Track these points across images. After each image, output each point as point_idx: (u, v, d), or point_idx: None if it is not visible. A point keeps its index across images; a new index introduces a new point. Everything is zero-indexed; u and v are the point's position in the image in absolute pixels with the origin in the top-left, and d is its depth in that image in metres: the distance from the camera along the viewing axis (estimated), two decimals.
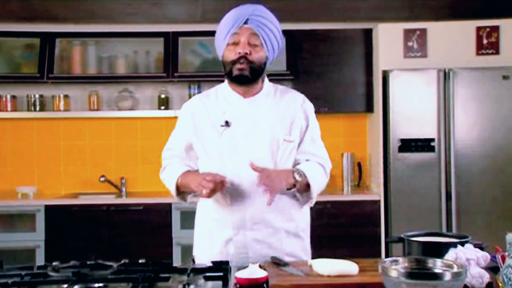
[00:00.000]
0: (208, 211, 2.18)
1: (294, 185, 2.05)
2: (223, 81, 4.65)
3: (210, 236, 2.18)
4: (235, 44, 2.08)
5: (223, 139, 2.10)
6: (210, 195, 1.98)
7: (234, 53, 2.07)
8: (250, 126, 2.10)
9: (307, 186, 2.08)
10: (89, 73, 4.66)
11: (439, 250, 1.68)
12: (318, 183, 2.12)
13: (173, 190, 2.20)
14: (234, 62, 2.08)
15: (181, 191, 2.20)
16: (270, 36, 2.08)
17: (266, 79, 2.22)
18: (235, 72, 2.09)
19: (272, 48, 2.11)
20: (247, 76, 2.08)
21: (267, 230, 2.09)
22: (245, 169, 2.02)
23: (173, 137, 2.28)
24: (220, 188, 2.00)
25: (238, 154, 2.08)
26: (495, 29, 4.33)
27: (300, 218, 2.18)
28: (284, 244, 2.11)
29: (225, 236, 2.11)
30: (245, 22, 2.05)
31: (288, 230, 2.13)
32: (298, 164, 2.13)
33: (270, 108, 2.14)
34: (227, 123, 2.11)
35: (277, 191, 1.96)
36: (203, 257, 2.05)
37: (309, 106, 2.23)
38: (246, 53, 2.05)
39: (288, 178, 2.03)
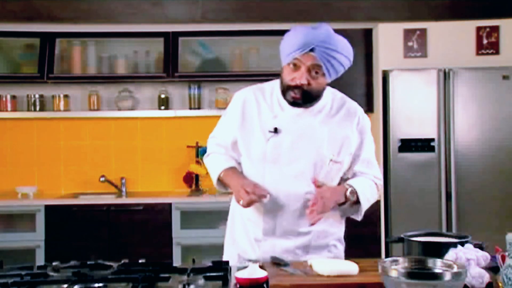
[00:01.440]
0: (243, 210, 2.12)
1: (344, 203, 2.03)
2: (223, 81, 4.62)
3: (246, 234, 2.14)
4: (295, 66, 1.98)
5: (269, 145, 2.04)
6: (247, 205, 1.97)
7: (291, 78, 1.99)
8: (298, 138, 2.03)
9: (357, 202, 2.06)
10: (89, 73, 4.66)
11: (439, 250, 1.68)
12: (369, 201, 2.09)
13: (214, 181, 2.18)
14: (289, 87, 2.00)
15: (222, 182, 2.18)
16: (335, 65, 1.97)
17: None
18: (289, 98, 2.02)
19: (335, 74, 2.02)
20: (300, 103, 2.02)
21: (296, 240, 2.07)
22: (285, 180, 2.01)
23: (221, 126, 2.23)
24: (259, 200, 1.98)
25: (280, 164, 2.03)
26: (495, 29, 4.33)
27: (335, 228, 2.16)
28: (313, 255, 2.08)
29: (255, 236, 2.10)
30: (311, 49, 1.93)
31: (319, 244, 2.10)
32: (347, 179, 2.11)
33: (323, 123, 2.06)
34: (276, 130, 2.04)
35: (324, 213, 1.96)
36: (234, 254, 2.08)
37: (366, 123, 2.16)
38: (303, 85, 1.97)
39: (340, 198, 2.01)
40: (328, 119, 2.08)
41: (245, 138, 2.10)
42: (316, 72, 1.97)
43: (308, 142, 2.03)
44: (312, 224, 1.96)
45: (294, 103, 2.03)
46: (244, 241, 2.14)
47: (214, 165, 2.18)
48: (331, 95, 2.14)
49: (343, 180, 2.12)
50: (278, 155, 2.03)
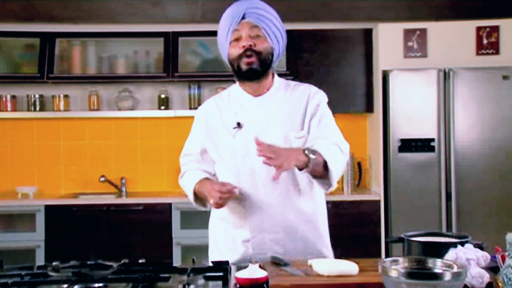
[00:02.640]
0: (223, 214, 2.13)
1: (307, 165, 1.89)
2: (223, 81, 4.64)
3: (229, 236, 2.14)
4: (238, 40, 2.04)
5: (236, 141, 2.08)
6: (219, 205, 1.97)
7: (239, 48, 2.04)
8: (261, 126, 2.07)
9: (325, 169, 1.94)
10: (89, 73, 4.66)
11: (439, 250, 1.68)
12: (335, 161, 1.95)
13: (191, 198, 2.18)
14: (240, 57, 2.04)
15: (199, 198, 2.18)
16: (271, 27, 2.04)
17: (276, 76, 2.18)
18: (244, 67, 2.04)
19: (276, 39, 2.06)
20: (256, 69, 2.04)
21: (285, 231, 2.07)
22: (259, 171, 2.02)
23: (189, 142, 2.26)
24: (230, 198, 1.97)
25: (251, 155, 2.03)
26: (495, 29, 4.33)
27: (319, 215, 2.15)
28: (304, 242, 2.09)
29: (243, 237, 2.09)
30: (243, 17, 2.03)
31: (307, 229, 2.10)
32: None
33: (281, 106, 2.10)
34: (239, 125, 2.08)
35: (284, 168, 1.84)
36: (222, 258, 2.04)
37: (320, 96, 2.14)
38: (251, 45, 2.02)
39: (299, 155, 1.89)
40: (285, 101, 2.11)
41: (213, 142, 2.14)
42: (257, 35, 2.04)
43: (272, 127, 2.06)
44: (274, 178, 1.84)
45: (250, 71, 2.04)
46: (230, 247, 2.12)
47: (188, 181, 2.18)
48: (284, 83, 2.18)
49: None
50: (247, 148, 2.05)
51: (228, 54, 2.09)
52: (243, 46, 2.02)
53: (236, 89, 2.18)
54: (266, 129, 2.06)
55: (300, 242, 2.09)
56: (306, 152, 1.91)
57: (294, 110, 2.10)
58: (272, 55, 2.08)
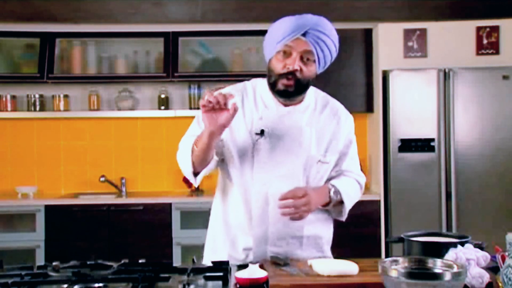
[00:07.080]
0: (229, 215, 2.06)
1: (328, 204, 2.02)
2: (223, 81, 4.62)
3: (229, 239, 2.06)
4: (286, 54, 1.91)
5: (256, 147, 1.96)
6: (206, 106, 1.75)
7: (283, 65, 1.91)
8: (285, 139, 1.97)
9: (341, 202, 2.04)
10: (89, 73, 4.66)
11: (439, 250, 1.68)
12: (352, 200, 2.08)
13: (189, 165, 1.95)
14: (280, 75, 1.92)
15: (196, 165, 1.96)
16: (325, 53, 1.92)
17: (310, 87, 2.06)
18: (280, 87, 1.93)
19: (324, 64, 1.96)
20: (291, 92, 1.94)
21: (289, 246, 2.02)
22: (274, 181, 1.95)
23: (199, 125, 1.99)
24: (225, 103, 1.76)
25: (269, 166, 1.96)
26: (495, 29, 4.33)
27: (325, 230, 2.13)
28: (304, 257, 2.03)
29: (245, 245, 2.03)
30: (303, 34, 1.88)
31: (312, 245, 2.07)
32: (331, 178, 2.07)
33: (309, 123, 2.01)
34: (262, 132, 1.96)
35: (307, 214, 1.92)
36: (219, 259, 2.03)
37: (351, 122, 2.13)
38: (296, 70, 1.90)
39: (324, 199, 1.99)
40: (313, 119, 2.03)
41: (232, 138, 1.99)
42: (308, 59, 1.92)
43: (295, 143, 1.98)
44: (292, 219, 1.90)
45: (284, 92, 1.95)
46: (229, 251, 2.05)
47: (185, 147, 1.98)
48: (314, 94, 2.10)
49: (327, 179, 2.08)
50: (266, 157, 1.97)
51: (270, 62, 1.97)
52: (288, 68, 1.91)
53: (263, 87, 2.03)
54: (291, 144, 1.97)
55: (303, 256, 2.03)
56: (331, 193, 2.00)
57: (322, 130, 2.03)
58: (314, 79, 1.99)
